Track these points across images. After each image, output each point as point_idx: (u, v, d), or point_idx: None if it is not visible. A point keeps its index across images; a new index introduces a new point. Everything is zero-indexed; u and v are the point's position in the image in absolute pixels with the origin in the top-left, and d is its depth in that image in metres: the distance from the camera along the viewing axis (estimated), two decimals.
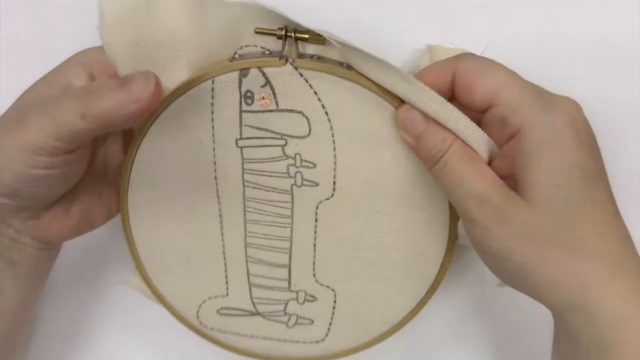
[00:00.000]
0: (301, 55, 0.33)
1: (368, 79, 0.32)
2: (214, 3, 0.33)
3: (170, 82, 0.33)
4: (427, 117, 0.31)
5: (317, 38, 0.33)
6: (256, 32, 0.33)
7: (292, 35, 0.33)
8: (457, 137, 0.31)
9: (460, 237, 0.36)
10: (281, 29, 0.33)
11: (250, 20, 0.33)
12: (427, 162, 0.32)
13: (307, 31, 0.33)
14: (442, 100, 0.30)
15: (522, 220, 0.29)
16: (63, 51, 0.35)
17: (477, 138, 0.31)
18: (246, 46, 0.34)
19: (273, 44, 0.34)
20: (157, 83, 0.30)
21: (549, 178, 0.29)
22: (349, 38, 0.31)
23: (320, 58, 0.33)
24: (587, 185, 0.30)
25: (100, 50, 0.33)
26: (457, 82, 0.31)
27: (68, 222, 0.36)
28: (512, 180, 0.30)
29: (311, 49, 0.34)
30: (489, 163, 0.31)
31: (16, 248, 0.35)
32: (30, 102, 0.33)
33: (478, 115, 0.31)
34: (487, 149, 0.31)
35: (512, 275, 0.31)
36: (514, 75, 0.30)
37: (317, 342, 0.40)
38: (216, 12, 0.33)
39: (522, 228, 0.29)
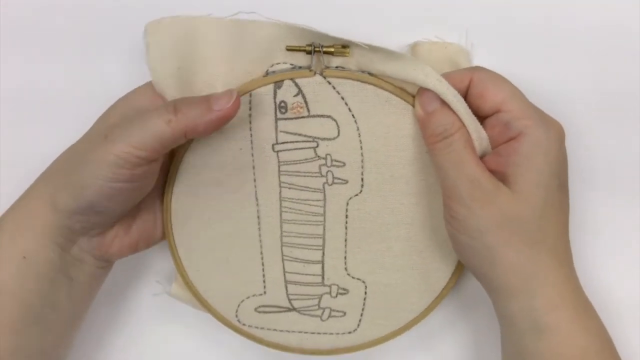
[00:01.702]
0: (327, 67, 0.38)
1: (388, 82, 0.37)
2: (250, 23, 0.37)
3: None
4: (442, 101, 0.36)
5: (341, 51, 0.37)
6: (287, 50, 0.38)
7: (320, 49, 0.37)
8: (463, 125, 0.36)
9: None
10: (309, 45, 0.37)
11: (281, 39, 0.38)
12: (432, 137, 0.36)
13: (333, 45, 0.37)
14: (455, 92, 0.36)
15: (504, 207, 0.35)
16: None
17: (479, 132, 0.36)
18: (277, 64, 0.39)
19: (301, 60, 0.39)
20: (238, 96, 0.35)
21: (535, 177, 0.35)
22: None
23: (343, 69, 0.38)
24: (559, 191, 0.36)
25: None
26: (471, 90, 0.37)
27: (127, 239, 0.40)
28: (497, 175, 0.36)
29: (335, 62, 0.38)
30: (480, 158, 0.37)
31: (76, 266, 0.38)
32: (114, 119, 0.37)
33: (480, 119, 0.37)
34: (481, 144, 0.37)
35: (477, 254, 0.36)
36: (518, 90, 0.36)
37: (350, 332, 0.43)
38: (252, 32, 0.37)
39: (501, 213, 0.34)
